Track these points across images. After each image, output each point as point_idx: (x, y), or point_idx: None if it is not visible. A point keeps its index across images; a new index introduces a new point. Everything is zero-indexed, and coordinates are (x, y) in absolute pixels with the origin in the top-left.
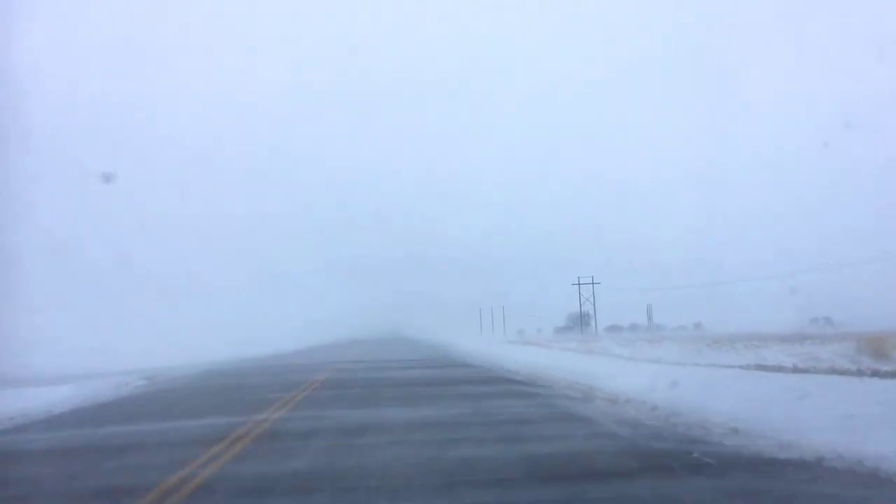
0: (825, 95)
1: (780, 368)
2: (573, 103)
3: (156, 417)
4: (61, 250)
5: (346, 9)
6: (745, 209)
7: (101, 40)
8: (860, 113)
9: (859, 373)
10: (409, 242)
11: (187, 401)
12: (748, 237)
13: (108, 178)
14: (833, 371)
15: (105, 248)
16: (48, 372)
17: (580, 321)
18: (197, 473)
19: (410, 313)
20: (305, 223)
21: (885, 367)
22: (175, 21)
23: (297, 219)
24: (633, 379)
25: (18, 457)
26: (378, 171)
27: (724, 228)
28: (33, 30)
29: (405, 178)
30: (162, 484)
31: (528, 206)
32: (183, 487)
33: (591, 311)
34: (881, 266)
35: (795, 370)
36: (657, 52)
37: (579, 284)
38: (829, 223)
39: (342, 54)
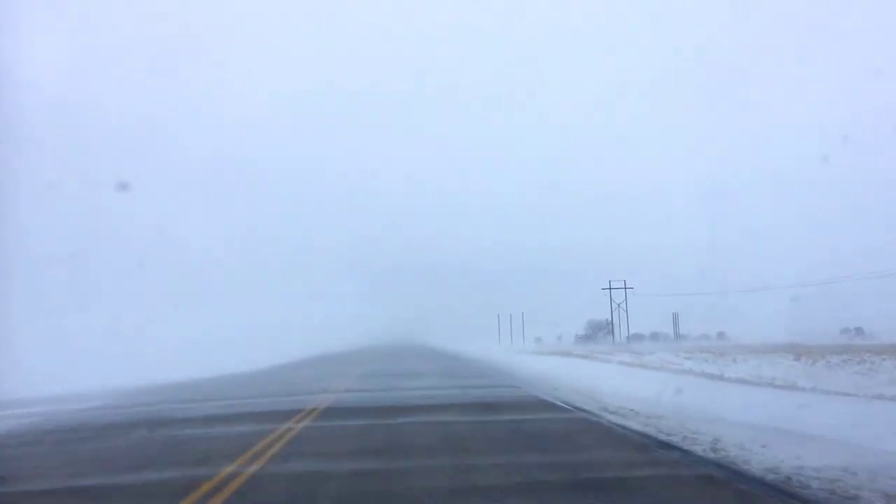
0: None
1: None
2: (591, 114)
3: None
4: (71, 257)
5: (364, 18)
6: (755, 220)
7: (117, 50)
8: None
9: None
10: (422, 250)
11: None
12: (760, 248)
13: (123, 186)
14: None
15: (106, 256)
16: None
17: (612, 329)
18: None
19: (424, 321)
20: (321, 231)
21: None
22: (189, 27)
23: (313, 227)
24: None
25: None
26: (393, 177)
27: (736, 238)
28: (42, 40)
29: (421, 186)
30: None
31: (543, 214)
32: None
33: (614, 319)
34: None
35: None
36: (679, 62)
37: (610, 289)
38: (843, 233)
39: (364, 68)
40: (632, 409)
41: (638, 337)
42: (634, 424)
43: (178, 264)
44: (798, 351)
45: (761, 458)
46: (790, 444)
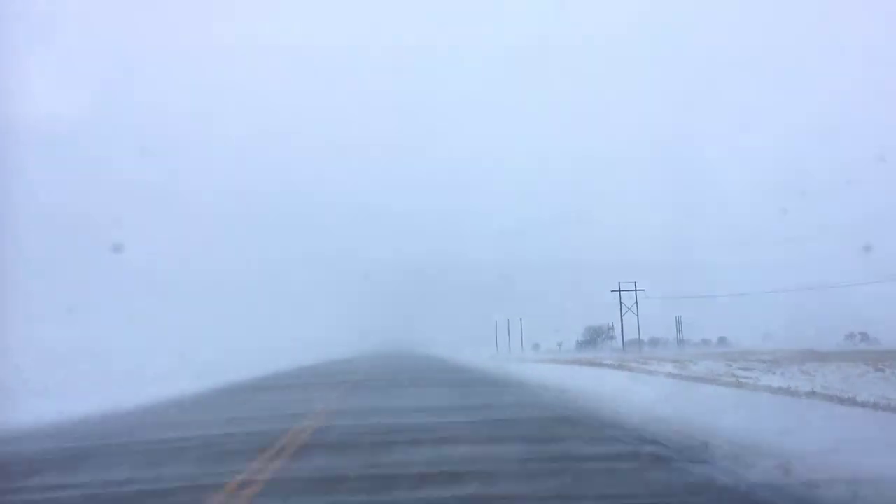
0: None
1: None
2: (589, 118)
3: None
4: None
5: (361, 18)
6: (753, 224)
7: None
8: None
9: None
10: (411, 255)
11: None
12: (757, 251)
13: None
14: None
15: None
16: None
17: (622, 334)
18: None
19: (417, 328)
20: (312, 237)
21: None
22: (177, 29)
23: (304, 232)
24: None
25: None
26: (387, 180)
27: (734, 241)
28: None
29: (411, 189)
30: None
31: (537, 219)
32: None
33: (613, 325)
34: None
35: None
36: (678, 66)
37: (619, 291)
38: (839, 236)
39: (355, 68)
40: None
41: (637, 342)
42: None
43: (161, 271)
44: (848, 358)
45: None
46: None
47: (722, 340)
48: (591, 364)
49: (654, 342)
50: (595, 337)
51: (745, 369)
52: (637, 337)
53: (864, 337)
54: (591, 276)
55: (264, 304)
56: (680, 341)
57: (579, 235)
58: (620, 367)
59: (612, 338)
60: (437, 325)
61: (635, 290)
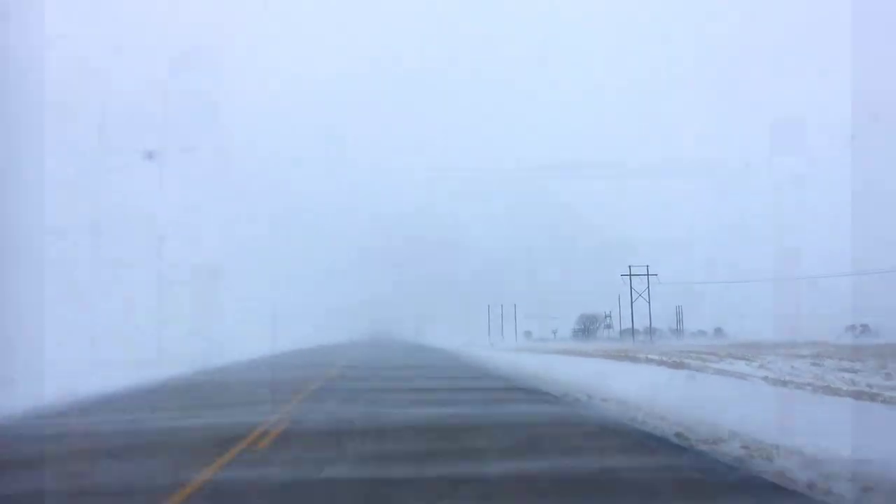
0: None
1: None
2: (588, 103)
3: None
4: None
5: (379, 8)
6: (750, 212)
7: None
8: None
9: None
10: (406, 241)
11: None
12: (753, 242)
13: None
14: None
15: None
16: None
17: (631, 323)
18: None
19: (399, 315)
20: (296, 218)
21: None
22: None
23: (290, 211)
24: None
25: None
26: (380, 165)
27: (729, 232)
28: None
29: (402, 173)
30: None
31: (529, 206)
32: None
33: (611, 312)
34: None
35: None
36: (689, 50)
37: (630, 275)
38: (844, 228)
39: (356, 48)
40: None
41: (631, 332)
42: None
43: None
44: (882, 353)
45: None
46: None
47: (718, 332)
48: (629, 359)
49: (651, 332)
50: (589, 325)
51: (845, 370)
52: (634, 326)
53: (865, 329)
54: (584, 261)
55: (258, 288)
56: (678, 332)
57: (574, 223)
58: (677, 364)
59: (609, 326)
60: (425, 310)
61: (647, 275)
